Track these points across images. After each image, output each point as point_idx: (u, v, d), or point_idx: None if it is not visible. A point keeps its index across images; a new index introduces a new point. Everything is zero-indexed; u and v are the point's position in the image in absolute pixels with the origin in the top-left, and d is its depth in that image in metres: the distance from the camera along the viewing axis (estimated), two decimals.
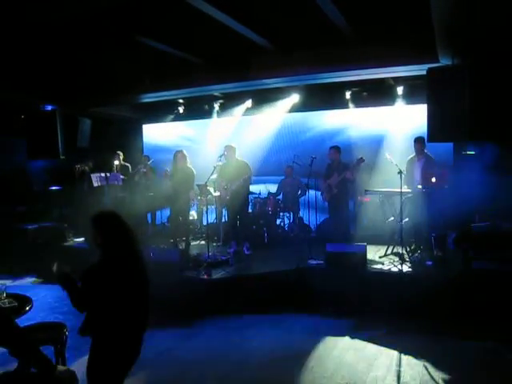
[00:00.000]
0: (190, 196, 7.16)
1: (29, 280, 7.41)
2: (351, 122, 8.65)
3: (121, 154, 9.11)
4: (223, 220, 8.09)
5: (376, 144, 8.01)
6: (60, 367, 2.14)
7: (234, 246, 7.23)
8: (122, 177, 8.58)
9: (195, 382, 4.02)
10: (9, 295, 3.36)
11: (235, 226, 7.41)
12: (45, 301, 6.17)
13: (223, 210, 8.06)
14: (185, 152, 7.27)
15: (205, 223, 7.81)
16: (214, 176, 7.36)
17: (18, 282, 7.14)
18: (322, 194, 7.43)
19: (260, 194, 8.64)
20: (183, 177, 7.09)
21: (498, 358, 4.18)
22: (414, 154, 6.76)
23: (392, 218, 6.78)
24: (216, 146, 8.59)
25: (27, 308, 3.28)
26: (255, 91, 8.50)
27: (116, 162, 8.82)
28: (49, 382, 2.09)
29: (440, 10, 4.14)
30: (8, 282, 3.41)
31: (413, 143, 6.68)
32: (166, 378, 4.09)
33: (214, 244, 7.84)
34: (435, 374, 3.93)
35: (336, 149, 7.27)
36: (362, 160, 6.83)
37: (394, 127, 8.21)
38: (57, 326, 3.66)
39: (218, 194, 7.46)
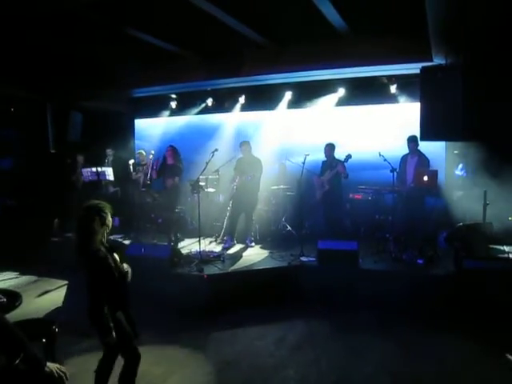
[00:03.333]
0: (176, 183, 7.33)
1: (14, 274, 7.31)
2: (343, 119, 8.64)
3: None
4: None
5: (368, 142, 8.02)
6: (49, 364, 2.11)
7: (229, 241, 7.21)
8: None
9: None
10: None
11: (235, 221, 7.40)
12: None
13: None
14: (175, 147, 7.60)
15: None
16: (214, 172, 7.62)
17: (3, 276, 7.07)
18: (315, 192, 7.38)
19: None
20: (171, 169, 7.39)
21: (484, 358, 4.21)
22: (407, 152, 6.77)
23: (383, 216, 6.81)
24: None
25: (16, 304, 3.24)
26: (248, 87, 8.45)
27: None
28: (38, 378, 2.06)
29: (435, 9, 4.16)
30: None
31: (406, 142, 6.68)
32: None
33: (213, 239, 7.73)
34: (424, 371, 3.96)
35: (330, 146, 7.32)
36: (349, 156, 6.89)
37: (387, 125, 8.22)
38: (46, 322, 3.62)
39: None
